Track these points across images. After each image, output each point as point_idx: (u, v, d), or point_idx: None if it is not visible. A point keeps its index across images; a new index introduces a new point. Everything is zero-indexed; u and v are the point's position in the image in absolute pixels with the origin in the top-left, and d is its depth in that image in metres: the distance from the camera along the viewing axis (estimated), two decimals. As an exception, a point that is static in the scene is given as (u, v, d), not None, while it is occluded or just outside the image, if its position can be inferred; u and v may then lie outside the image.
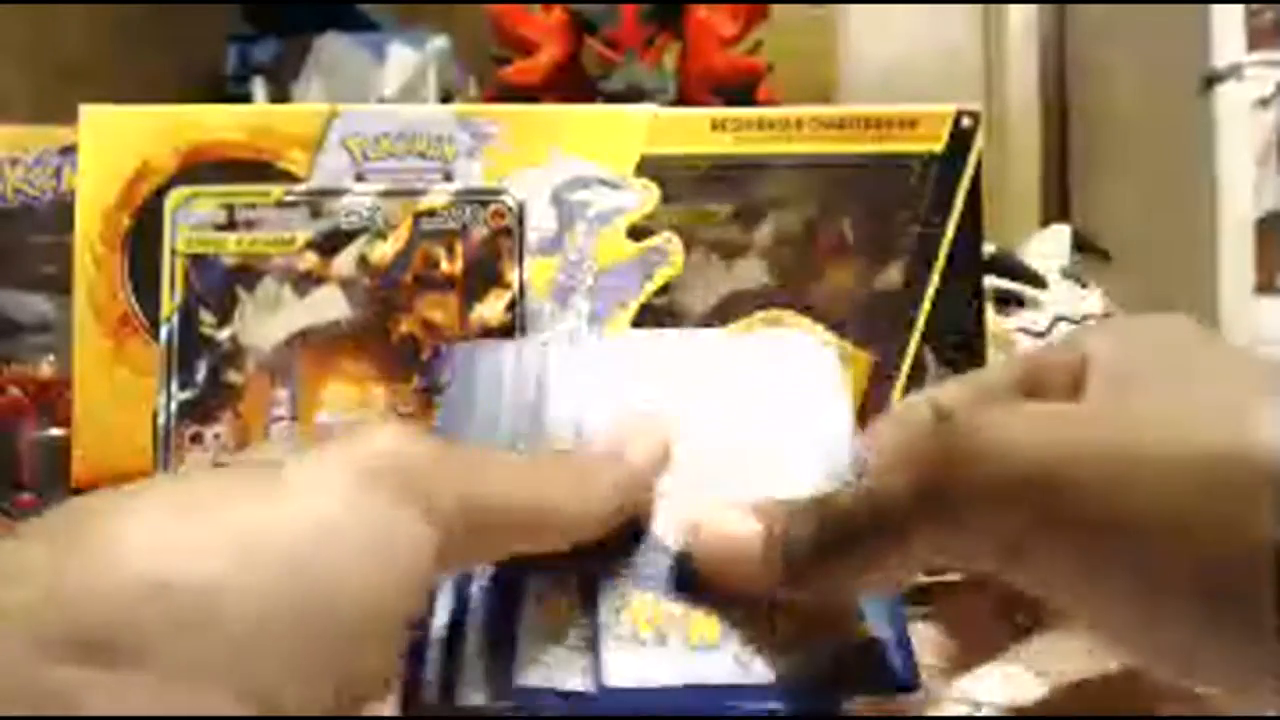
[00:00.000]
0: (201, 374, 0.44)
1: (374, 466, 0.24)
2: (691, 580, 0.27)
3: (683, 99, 0.86)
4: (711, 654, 0.26)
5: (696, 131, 0.47)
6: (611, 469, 0.28)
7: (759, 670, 0.26)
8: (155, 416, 0.43)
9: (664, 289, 0.46)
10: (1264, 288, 0.89)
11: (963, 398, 0.28)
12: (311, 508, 0.22)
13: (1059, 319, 0.77)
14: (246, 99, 0.92)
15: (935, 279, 0.48)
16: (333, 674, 0.22)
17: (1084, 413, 0.24)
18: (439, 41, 0.96)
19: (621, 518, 0.28)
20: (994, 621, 0.29)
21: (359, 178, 0.45)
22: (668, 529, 0.28)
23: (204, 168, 0.44)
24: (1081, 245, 0.85)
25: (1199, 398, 0.23)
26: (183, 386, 0.44)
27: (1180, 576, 0.21)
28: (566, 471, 0.27)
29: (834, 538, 0.26)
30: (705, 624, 0.27)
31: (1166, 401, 0.23)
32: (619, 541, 0.28)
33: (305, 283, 0.45)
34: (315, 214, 0.45)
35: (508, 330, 0.45)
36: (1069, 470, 0.22)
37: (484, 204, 0.46)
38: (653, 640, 0.26)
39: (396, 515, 0.23)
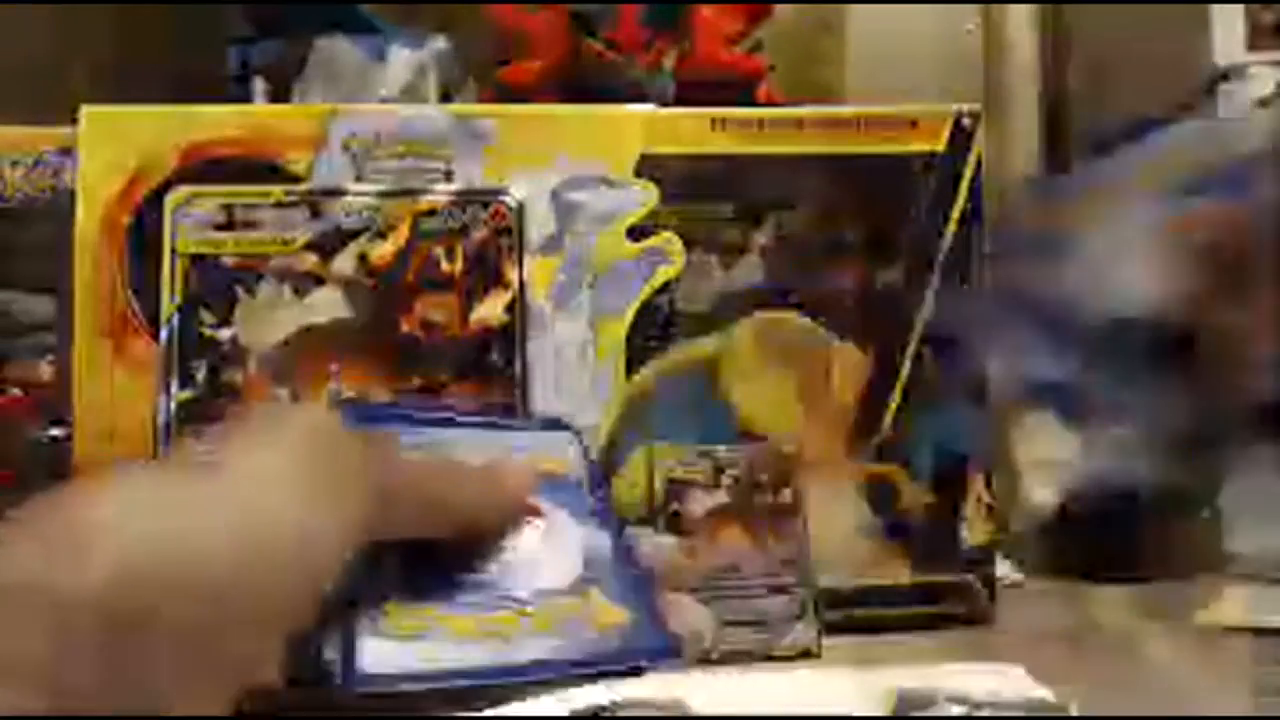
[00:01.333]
0: (201, 374, 0.44)
1: (308, 453, 0.25)
2: None
3: (683, 99, 0.86)
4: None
5: (696, 131, 0.47)
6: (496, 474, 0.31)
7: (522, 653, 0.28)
8: (155, 416, 0.43)
9: (664, 289, 0.47)
10: (1264, 288, 0.89)
11: None
12: (253, 508, 0.23)
13: (1059, 319, 0.77)
14: (246, 99, 0.91)
15: (935, 279, 0.48)
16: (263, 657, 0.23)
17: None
18: (439, 42, 0.96)
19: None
20: None
21: (359, 178, 0.45)
22: None
23: (204, 168, 0.44)
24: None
25: None
26: (183, 386, 0.44)
27: None
28: (468, 471, 0.31)
29: None
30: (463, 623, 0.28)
31: None
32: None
33: (305, 283, 0.45)
34: (315, 214, 0.45)
35: (508, 330, 0.45)
36: None
37: (484, 204, 0.46)
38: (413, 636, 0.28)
39: (333, 505, 0.25)
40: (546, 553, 0.31)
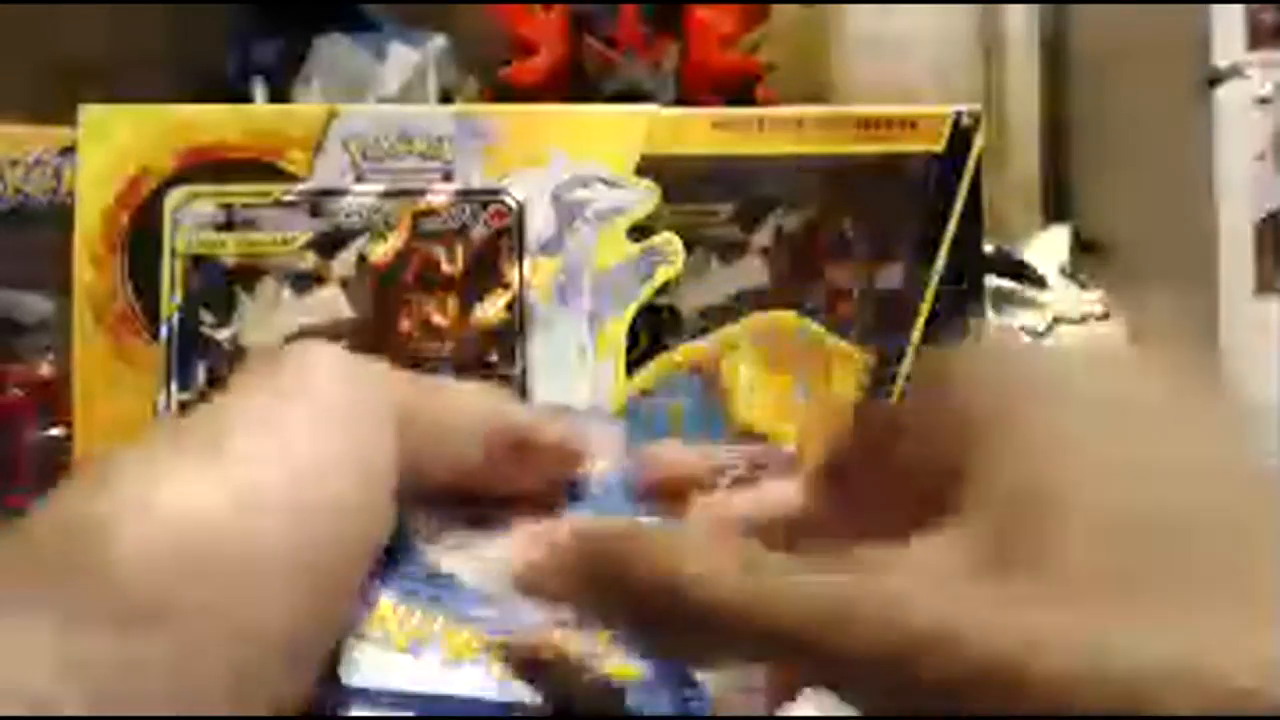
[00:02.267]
0: (201, 374, 0.44)
1: (342, 397, 0.24)
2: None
3: (683, 99, 0.86)
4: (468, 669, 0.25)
5: (696, 131, 0.47)
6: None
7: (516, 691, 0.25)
8: (155, 416, 0.43)
9: (664, 289, 0.47)
10: (1264, 288, 0.89)
11: None
12: (299, 445, 0.23)
13: (1059, 319, 0.77)
14: (246, 99, 0.91)
15: (935, 279, 0.48)
16: (325, 609, 0.23)
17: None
18: (439, 41, 0.96)
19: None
20: None
21: (359, 178, 0.45)
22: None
23: (204, 168, 0.44)
24: (1082, 244, 0.85)
25: None
26: (183, 387, 0.44)
27: None
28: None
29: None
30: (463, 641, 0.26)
31: None
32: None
33: (305, 283, 0.45)
34: (315, 214, 0.45)
35: (508, 330, 0.45)
36: None
37: (484, 204, 0.46)
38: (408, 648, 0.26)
39: (376, 441, 0.24)
40: None
